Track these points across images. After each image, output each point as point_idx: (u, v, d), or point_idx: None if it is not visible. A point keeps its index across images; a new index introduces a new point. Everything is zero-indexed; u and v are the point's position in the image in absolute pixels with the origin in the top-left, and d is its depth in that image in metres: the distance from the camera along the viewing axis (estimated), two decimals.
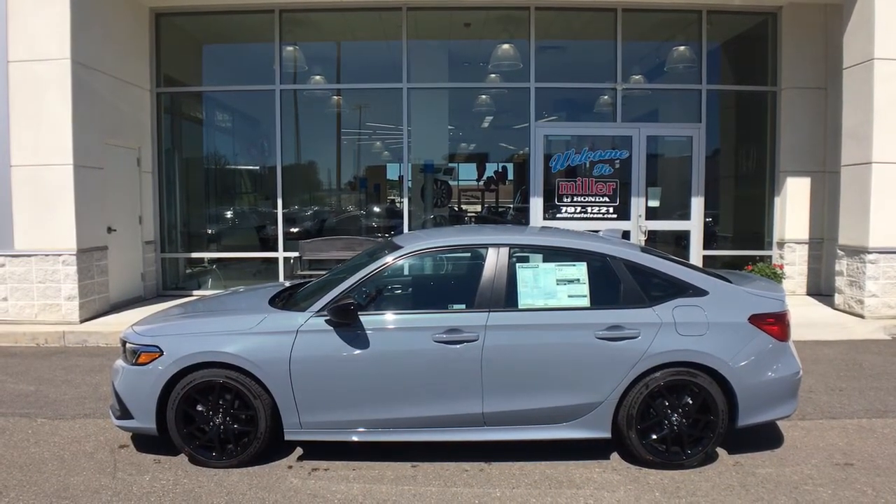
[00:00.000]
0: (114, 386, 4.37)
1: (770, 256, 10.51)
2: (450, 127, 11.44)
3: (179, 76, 10.90)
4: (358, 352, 4.14)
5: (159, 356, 4.19)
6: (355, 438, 4.24)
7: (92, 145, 8.54)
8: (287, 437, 4.24)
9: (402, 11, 10.22)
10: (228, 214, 11.59)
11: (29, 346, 7.84)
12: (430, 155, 11.19)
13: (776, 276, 9.56)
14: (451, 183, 11.71)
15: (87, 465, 4.29)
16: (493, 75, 10.93)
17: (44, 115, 8.07)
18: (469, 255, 4.98)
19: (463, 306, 4.32)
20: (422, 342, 4.15)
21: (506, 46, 10.59)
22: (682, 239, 10.46)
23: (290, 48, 10.62)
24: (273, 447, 4.34)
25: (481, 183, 12.36)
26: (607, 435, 4.22)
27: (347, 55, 11.36)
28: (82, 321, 8.32)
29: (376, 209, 11.69)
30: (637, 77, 10.75)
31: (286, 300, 4.74)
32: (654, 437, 4.18)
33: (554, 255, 4.47)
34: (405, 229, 10.53)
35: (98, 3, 8.66)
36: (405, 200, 10.72)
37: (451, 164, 11.72)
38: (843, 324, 8.27)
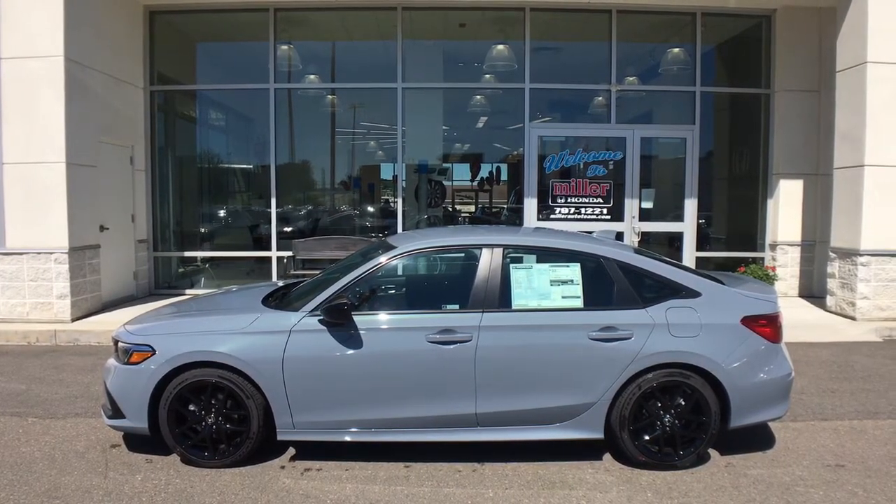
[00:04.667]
0: (105, 385, 4.35)
1: (763, 258, 10.55)
2: (444, 127, 11.44)
3: (173, 74, 10.87)
4: (351, 352, 4.14)
5: (151, 355, 4.18)
6: (348, 439, 4.23)
7: (85, 143, 8.50)
8: (280, 437, 4.23)
9: (397, 11, 10.22)
10: (222, 213, 11.55)
11: (20, 344, 7.79)
12: (425, 155, 11.19)
13: (768, 278, 9.60)
14: (445, 183, 11.72)
15: (78, 465, 4.27)
16: (487, 76, 10.93)
17: (36, 113, 8.03)
18: (463, 255, 4.98)
19: (457, 307, 4.33)
20: (415, 342, 4.14)
21: (500, 47, 10.59)
22: (675, 240, 10.49)
23: (284, 47, 10.60)
24: (266, 447, 4.32)
25: (475, 183, 12.38)
26: (600, 436, 4.23)
27: (342, 54, 11.35)
28: (74, 320, 8.28)
29: (370, 209, 11.68)
30: (631, 78, 10.78)
31: (279, 300, 4.73)
32: (647, 437, 4.19)
33: (548, 255, 4.47)
34: (399, 229, 10.52)
35: (92, 0, 8.62)
36: (399, 200, 10.71)
37: (445, 165, 11.73)
38: (834, 326, 8.30)
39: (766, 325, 4.28)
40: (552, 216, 10.27)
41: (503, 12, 10.48)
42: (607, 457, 4.38)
